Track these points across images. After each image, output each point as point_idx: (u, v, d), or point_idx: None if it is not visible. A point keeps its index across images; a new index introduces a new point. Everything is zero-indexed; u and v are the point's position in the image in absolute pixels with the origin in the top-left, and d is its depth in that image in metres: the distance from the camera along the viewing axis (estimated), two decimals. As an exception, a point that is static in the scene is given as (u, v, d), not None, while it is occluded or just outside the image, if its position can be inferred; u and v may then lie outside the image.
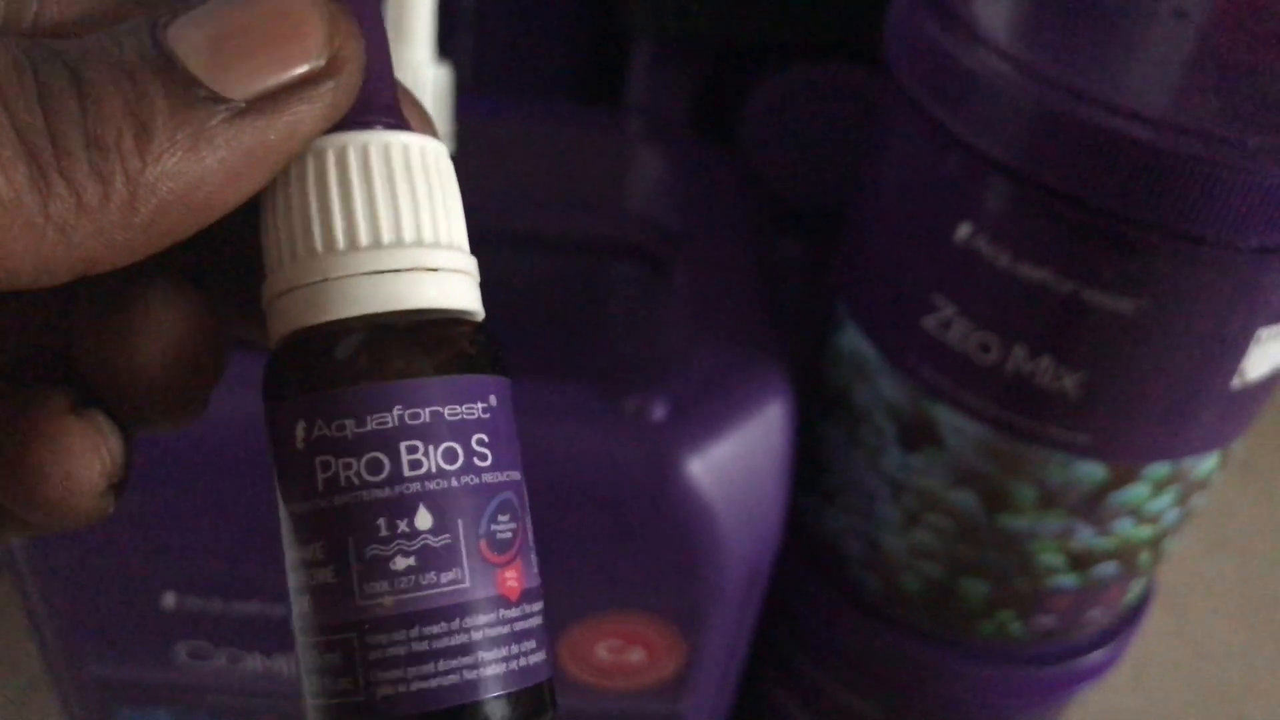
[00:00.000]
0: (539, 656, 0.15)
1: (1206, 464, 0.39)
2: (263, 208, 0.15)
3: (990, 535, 0.40)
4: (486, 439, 0.15)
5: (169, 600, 0.38)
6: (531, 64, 0.60)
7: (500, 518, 0.15)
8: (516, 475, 0.16)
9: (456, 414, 0.15)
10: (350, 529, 0.14)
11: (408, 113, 0.16)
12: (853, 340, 0.42)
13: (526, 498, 0.16)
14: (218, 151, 0.13)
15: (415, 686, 0.14)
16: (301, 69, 0.14)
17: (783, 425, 0.38)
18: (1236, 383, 0.35)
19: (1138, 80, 0.32)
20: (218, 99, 0.13)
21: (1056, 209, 0.32)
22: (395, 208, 0.15)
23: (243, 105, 0.13)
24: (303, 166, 0.15)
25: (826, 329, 0.45)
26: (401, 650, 0.14)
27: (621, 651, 0.40)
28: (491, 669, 0.14)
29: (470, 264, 0.16)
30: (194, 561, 0.37)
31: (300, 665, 0.15)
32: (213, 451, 0.35)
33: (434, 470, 0.14)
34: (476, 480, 0.15)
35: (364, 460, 0.14)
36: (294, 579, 0.15)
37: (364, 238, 0.14)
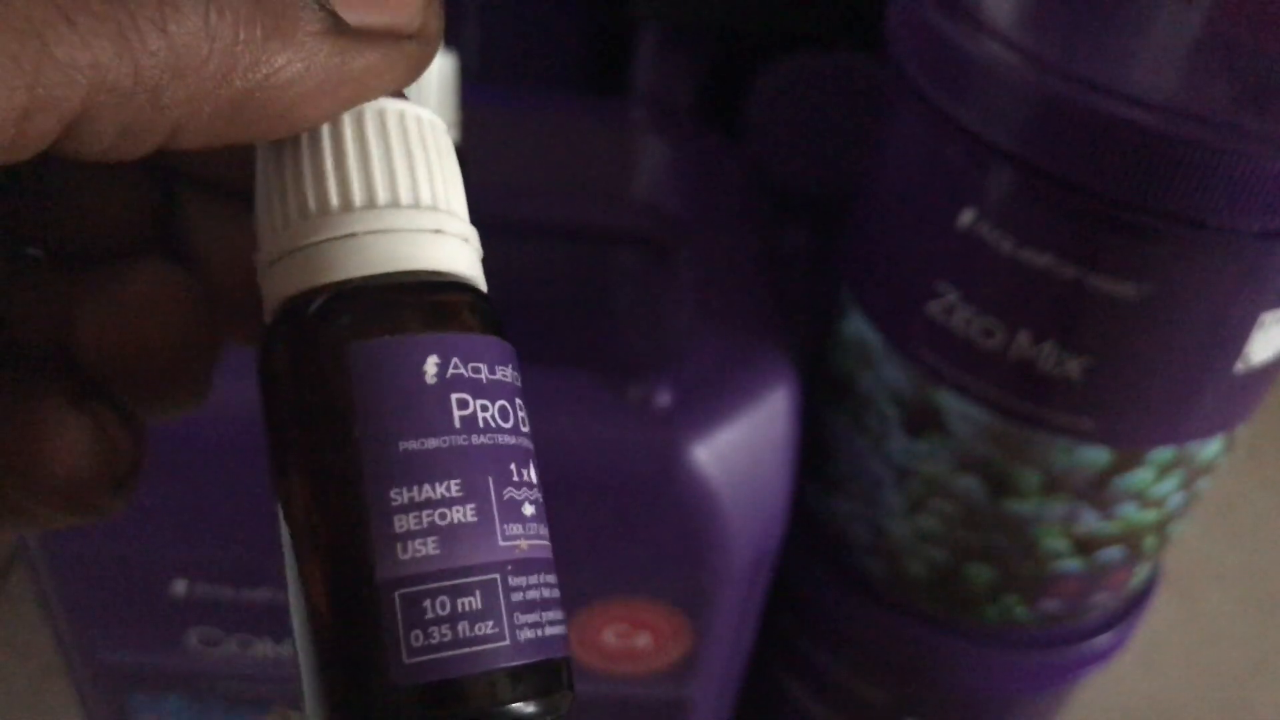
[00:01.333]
0: None
1: (1211, 448, 0.39)
2: (310, 149, 0.15)
3: (995, 520, 0.40)
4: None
5: (179, 588, 0.38)
6: (537, 53, 0.60)
7: None
8: None
9: (520, 384, 0.15)
10: (490, 469, 0.14)
11: None
12: (857, 327, 0.42)
13: None
14: (315, 57, 0.13)
15: (549, 632, 0.14)
16: (400, 19, 0.14)
17: (787, 412, 0.39)
18: (1240, 367, 0.35)
19: (1140, 66, 0.32)
20: (327, 9, 0.13)
21: (1059, 195, 0.32)
22: (445, 178, 0.15)
23: (348, 27, 0.14)
24: (360, 118, 0.15)
25: (831, 316, 0.45)
26: (536, 595, 0.14)
27: (628, 637, 0.41)
28: (562, 627, 0.15)
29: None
30: (203, 549, 0.37)
31: (403, 622, 0.13)
32: (222, 440, 0.35)
33: (530, 431, 0.15)
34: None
35: (496, 406, 0.14)
36: (414, 521, 0.14)
37: (427, 199, 0.15)
